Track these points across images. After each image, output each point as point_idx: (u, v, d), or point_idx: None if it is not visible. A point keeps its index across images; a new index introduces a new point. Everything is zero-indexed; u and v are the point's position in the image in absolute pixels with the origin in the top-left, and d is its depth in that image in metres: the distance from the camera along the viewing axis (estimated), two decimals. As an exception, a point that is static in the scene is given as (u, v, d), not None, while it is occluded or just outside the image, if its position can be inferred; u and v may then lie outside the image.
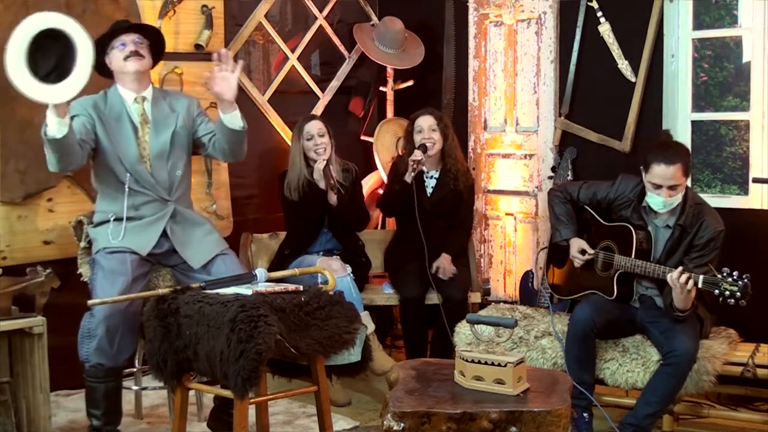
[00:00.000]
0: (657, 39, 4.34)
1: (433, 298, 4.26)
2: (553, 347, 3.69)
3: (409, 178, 4.33)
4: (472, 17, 5.12)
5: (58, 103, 3.09)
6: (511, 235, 5.02)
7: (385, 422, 2.56)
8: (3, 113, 3.79)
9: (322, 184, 4.29)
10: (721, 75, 4.80)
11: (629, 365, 3.53)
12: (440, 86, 5.23)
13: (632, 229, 3.60)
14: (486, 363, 2.71)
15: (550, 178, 4.74)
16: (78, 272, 3.63)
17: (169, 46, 3.83)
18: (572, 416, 3.08)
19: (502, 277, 5.06)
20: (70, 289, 3.73)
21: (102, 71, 3.52)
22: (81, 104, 3.43)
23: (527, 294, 4.37)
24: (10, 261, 3.79)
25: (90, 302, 3.22)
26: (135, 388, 3.86)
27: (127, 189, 3.49)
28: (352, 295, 4.04)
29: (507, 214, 5.04)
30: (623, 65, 4.46)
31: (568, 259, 3.86)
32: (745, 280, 3.20)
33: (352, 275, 4.20)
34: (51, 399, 3.40)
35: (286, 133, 5.03)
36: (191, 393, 3.32)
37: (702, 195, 3.79)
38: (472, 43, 5.13)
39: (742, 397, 3.88)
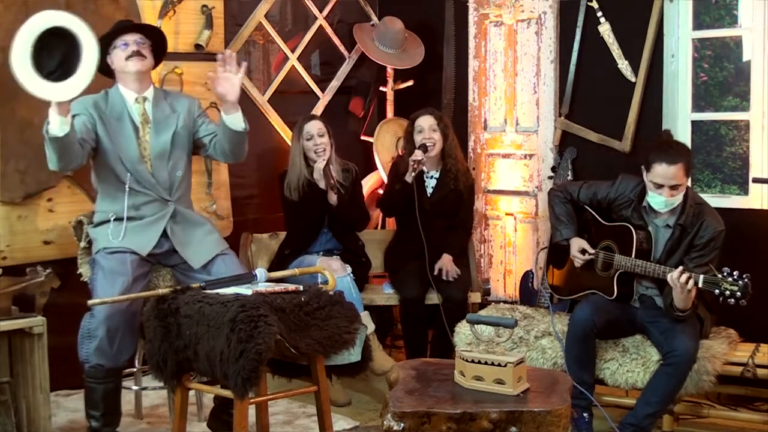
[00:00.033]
0: (657, 39, 4.34)
1: (433, 298, 4.26)
2: (553, 347, 3.69)
3: (409, 178, 4.33)
4: (472, 17, 5.12)
5: (62, 101, 3.09)
6: (511, 235, 5.02)
7: (385, 422, 2.56)
8: (3, 113, 3.79)
9: (322, 184, 4.29)
10: (721, 75, 4.80)
11: (629, 365, 3.53)
12: (440, 86, 5.23)
13: (632, 228, 3.60)
14: (486, 363, 2.71)
15: (550, 178, 4.74)
16: (78, 272, 3.63)
17: (169, 46, 3.83)
18: (572, 416, 3.08)
19: (502, 277, 5.06)
20: (70, 289, 3.73)
21: (103, 70, 3.52)
22: (82, 103, 3.43)
23: (527, 294, 4.37)
24: (10, 261, 3.79)
25: (90, 302, 3.22)
26: (135, 388, 3.86)
27: (127, 189, 3.49)
28: (352, 295, 4.04)
29: (507, 214, 5.04)
30: (623, 65, 4.46)
31: (568, 259, 3.86)
32: (746, 280, 3.20)
33: (352, 275, 4.20)
34: (51, 399, 3.40)
35: (286, 133, 5.03)
36: (191, 393, 3.32)
37: (702, 195, 3.79)
38: (472, 43, 5.13)
39: (742, 397, 3.88)
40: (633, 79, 4.42)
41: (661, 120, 4.35)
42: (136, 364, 3.78)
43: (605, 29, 4.50)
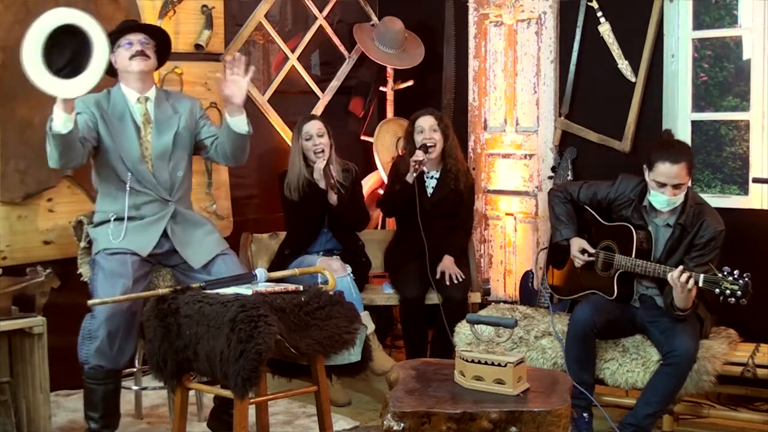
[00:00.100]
0: (657, 39, 4.34)
1: (433, 298, 4.26)
2: (553, 347, 3.69)
3: (410, 178, 4.33)
4: (472, 17, 5.12)
5: (69, 98, 3.09)
6: (511, 235, 5.02)
7: (385, 422, 2.56)
8: (3, 113, 3.78)
9: (322, 184, 4.29)
10: (721, 75, 4.79)
11: (629, 365, 3.53)
12: (440, 86, 5.23)
13: (633, 228, 3.60)
14: (486, 363, 2.71)
15: (550, 178, 4.74)
16: (78, 272, 3.63)
17: (169, 46, 3.84)
18: (572, 416, 3.08)
19: (502, 277, 5.06)
20: (70, 289, 3.72)
21: (106, 69, 3.51)
22: (84, 102, 3.42)
23: (527, 294, 4.36)
24: (10, 261, 3.79)
25: (90, 302, 3.22)
26: (135, 388, 3.86)
27: (128, 188, 3.48)
28: (352, 295, 4.04)
29: (507, 214, 5.04)
30: (623, 65, 4.46)
31: (568, 259, 3.86)
32: (746, 279, 3.20)
33: (352, 275, 4.20)
34: (51, 399, 3.40)
35: (286, 133, 5.03)
36: (191, 393, 3.32)
37: (702, 195, 3.79)
38: (472, 43, 5.13)
39: (742, 397, 3.88)
40: (633, 79, 4.42)
41: (661, 120, 4.35)
42: (136, 364, 3.78)
43: (605, 29, 4.50)
